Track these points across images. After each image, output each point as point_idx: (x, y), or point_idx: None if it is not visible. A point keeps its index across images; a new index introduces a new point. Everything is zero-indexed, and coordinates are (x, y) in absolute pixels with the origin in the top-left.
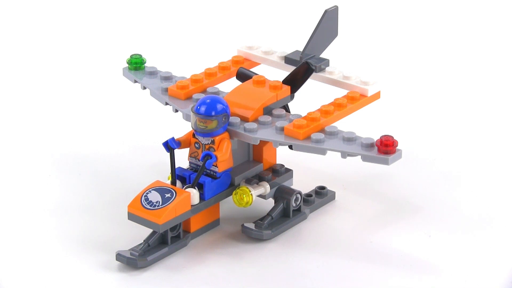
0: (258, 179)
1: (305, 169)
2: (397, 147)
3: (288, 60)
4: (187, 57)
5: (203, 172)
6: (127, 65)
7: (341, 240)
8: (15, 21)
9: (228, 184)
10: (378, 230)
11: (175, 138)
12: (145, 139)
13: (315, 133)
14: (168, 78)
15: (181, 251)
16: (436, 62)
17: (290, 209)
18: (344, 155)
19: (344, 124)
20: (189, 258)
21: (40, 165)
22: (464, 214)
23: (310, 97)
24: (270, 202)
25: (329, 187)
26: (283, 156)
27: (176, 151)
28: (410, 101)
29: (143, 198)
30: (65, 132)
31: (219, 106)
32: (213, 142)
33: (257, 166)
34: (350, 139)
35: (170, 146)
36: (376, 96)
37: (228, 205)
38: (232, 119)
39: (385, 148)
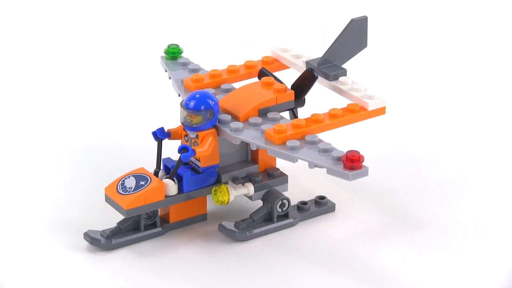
0: (248, 179)
1: (313, 177)
2: (363, 163)
3: (308, 65)
4: (229, 54)
5: (180, 165)
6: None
7: (323, 251)
8: (31, 14)
9: (213, 181)
10: (369, 244)
11: (168, 129)
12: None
13: (290, 140)
14: (195, 70)
15: (158, 240)
16: (443, 72)
17: (274, 213)
18: (311, 165)
19: (344, 134)
20: (162, 247)
21: (48, 157)
22: (460, 231)
23: (323, 104)
24: None
25: (334, 197)
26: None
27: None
28: (415, 113)
29: (120, 182)
30: (82, 124)
31: (206, 102)
32: (197, 136)
33: (250, 167)
34: (325, 150)
35: (158, 136)
36: (380, 111)
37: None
38: (224, 116)
39: (351, 163)
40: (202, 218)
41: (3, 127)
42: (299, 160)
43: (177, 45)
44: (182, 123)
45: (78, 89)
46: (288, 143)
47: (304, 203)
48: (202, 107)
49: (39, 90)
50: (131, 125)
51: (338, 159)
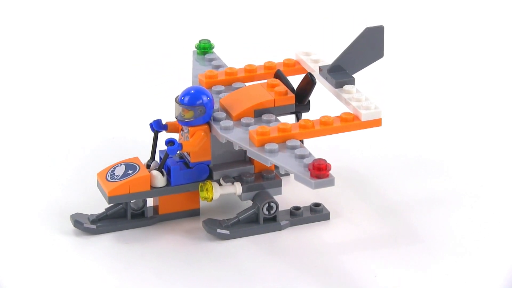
0: (239, 179)
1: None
2: (330, 171)
3: (321, 71)
4: (263, 53)
5: (167, 157)
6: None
7: (300, 257)
8: (30, 10)
9: (204, 177)
10: (350, 256)
11: (166, 121)
12: None
13: (269, 143)
14: (217, 67)
15: (143, 229)
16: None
17: (260, 215)
18: (282, 170)
19: (348, 141)
20: (144, 236)
21: (48, 149)
22: (454, 249)
23: (334, 111)
24: None
25: (334, 205)
26: None
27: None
28: (420, 122)
29: (111, 169)
30: (84, 119)
31: (198, 98)
32: (188, 131)
33: (245, 167)
34: (301, 156)
35: (154, 127)
36: (375, 123)
37: (223, 200)
38: (219, 114)
39: (318, 172)
40: (194, 213)
41: None
42: None
43: (208, 41)
44: (176, 117)
45: (81, 86)
46: (266, 146)
47: (297, 208)
48: (194, 103)
49: (38, 88)
50: (133, 119)
51: (307, 166)
